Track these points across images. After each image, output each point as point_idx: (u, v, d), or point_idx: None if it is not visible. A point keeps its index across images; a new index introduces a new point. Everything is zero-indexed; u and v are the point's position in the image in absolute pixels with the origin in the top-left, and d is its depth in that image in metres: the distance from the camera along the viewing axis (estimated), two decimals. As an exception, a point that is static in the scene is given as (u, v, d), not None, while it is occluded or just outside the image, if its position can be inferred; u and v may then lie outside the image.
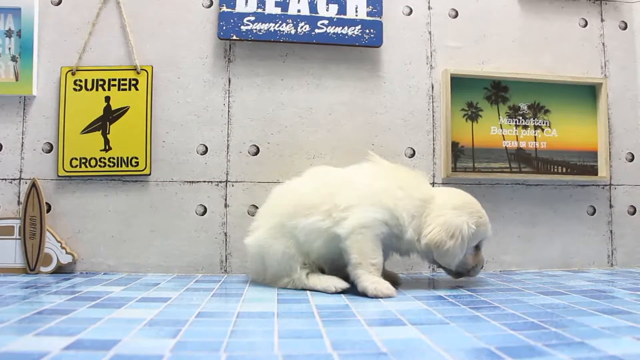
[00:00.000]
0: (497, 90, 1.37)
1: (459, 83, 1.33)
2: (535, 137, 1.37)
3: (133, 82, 1.29)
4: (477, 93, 1.35)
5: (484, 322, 0.73)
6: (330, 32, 1.30)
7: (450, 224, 0.98)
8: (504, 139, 1.36)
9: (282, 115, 1.31)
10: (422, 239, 0.99)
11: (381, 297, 0.92)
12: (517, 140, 1.36)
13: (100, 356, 0.55)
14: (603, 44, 1.46)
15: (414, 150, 1.33)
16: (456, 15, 1.39)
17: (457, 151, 1.33)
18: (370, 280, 0.94)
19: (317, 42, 1.30)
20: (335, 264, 1.04)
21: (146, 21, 1.30)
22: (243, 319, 0.75)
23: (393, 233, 1.00)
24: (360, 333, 0.66)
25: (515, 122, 1.37)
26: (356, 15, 1.31)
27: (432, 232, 0.98)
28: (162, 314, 0.77)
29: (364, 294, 0.94)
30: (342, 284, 0.99)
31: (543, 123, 1.38)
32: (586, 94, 1.41)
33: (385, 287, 0.94)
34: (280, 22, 1.29)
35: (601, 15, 1.46)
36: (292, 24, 1.29)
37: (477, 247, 1.06)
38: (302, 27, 1.30)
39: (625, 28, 1.48)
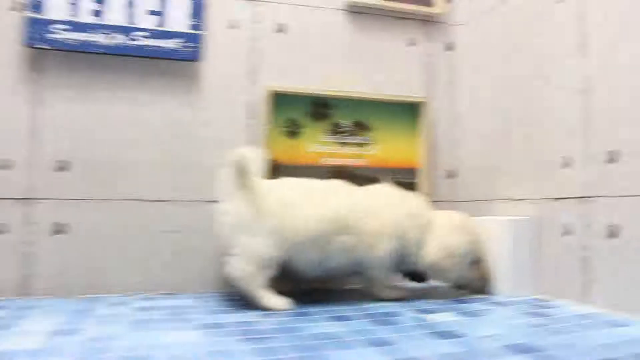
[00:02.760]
0: (319, 108, 1.38)
1: (280, 100, 1.34)
2: (356, 154, 1.40)
3: None
4: (299, 110, 1.36)
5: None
6: (146, 45, 1.26)
7: (447, 244, 1.15)
8: (324, 157, 1.38)
9: (95, 130, 1.26)
10: (423, 259, 1.15)
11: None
12: (337, 157, 1.39)
13: None
14: (429, 63, 1.51)
15: (231, 167, 1.32)
16: (282, 30, 1.39)
17: (275, 168, 1.33)
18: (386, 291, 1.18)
19: (133, 54, 1.26)
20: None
21: (-58, 25, 1.20)
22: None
23: (401, 256, 1.16)
24: None
25: (336, 139, 1.39)
26: (176, 28, 1.28)
27: (430, 253, 1.15)
28: None
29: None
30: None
31: (364, 140, 1.41)
32: (409, 112, 1.46)
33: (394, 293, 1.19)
34: (93, 31, 1.24)
35: (428, 35, 1.51)
36: (106, 35, 1.24)
37: (474, 262, 1.20)
38: (117, 38, 1.25)
39: (449, 49, 1.54)
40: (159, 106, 1.30)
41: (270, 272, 1.09)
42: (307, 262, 1.13)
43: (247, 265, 1.07)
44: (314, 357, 0.75)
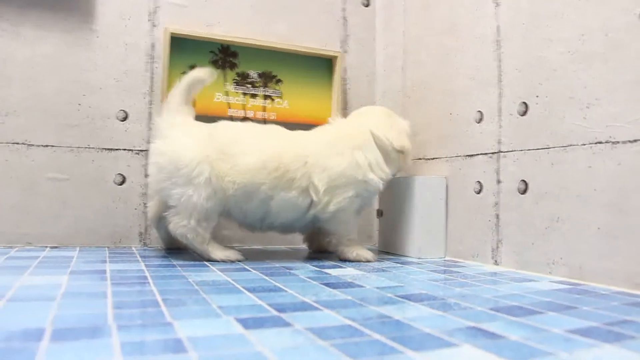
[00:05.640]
0: (225, 55, 1.31)
1: (182, 44, 1.26)
2: (264, 107, 1.35)
3: None
4: (202, 56, 1.28)
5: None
6: (31, -26, 1.14)
7: (401, 127, 1.19)
8: (229, 107, 1.31)
9: (-31, 65, 1.14)
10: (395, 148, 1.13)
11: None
12: (244, 109, 1.33)
13: None
14: (344, 18, 1.46)
15: (126, 113, 1.24)
16: (188, -29, 1.30)
17: (178, 117, 1.25)
18: None
19: (14, -17, 1.14)
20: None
21: None
22: None
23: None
24: None
25: (243, 90, 1.33)
26: (67, -42, 1.17)
27: (398, 141, 1.13)
28: None
29: None
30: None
31: (274, 93, 1.36)
32: (323, 66, 1.41)
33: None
34: (-31, -45, 1.11)
35: (345, -11, 1.47)
36: (-16, -41, 1.12)
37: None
38: (-3, -37, 1.12)
39: (367, 5, 1.50)
40: (47, 43, 1.18)
41: (213, 224, 1.04)
42: (248, 216, 1.07)
43: (187, 220, 1.01)
44: (182, 300, 0.69)
